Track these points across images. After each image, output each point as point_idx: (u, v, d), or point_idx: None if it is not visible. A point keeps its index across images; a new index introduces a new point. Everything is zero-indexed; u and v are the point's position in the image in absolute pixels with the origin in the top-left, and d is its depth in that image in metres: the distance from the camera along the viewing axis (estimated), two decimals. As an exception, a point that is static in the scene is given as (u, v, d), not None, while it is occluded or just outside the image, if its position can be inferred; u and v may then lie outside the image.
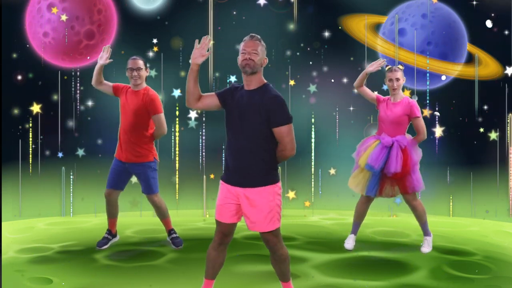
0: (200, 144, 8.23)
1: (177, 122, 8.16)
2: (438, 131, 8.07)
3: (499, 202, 7.92)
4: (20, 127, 7.95)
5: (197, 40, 4.00)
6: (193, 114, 8.17)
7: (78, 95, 8.07)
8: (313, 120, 8.31)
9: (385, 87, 7.85)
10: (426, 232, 5.99)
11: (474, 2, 8.02)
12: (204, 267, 4.18)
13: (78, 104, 8.08)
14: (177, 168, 8.13)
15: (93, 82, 5.85)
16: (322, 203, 8.26)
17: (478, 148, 8.18)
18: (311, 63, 8.29)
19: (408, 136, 5.83)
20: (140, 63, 5.68)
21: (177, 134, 8.14)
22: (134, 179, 6.46)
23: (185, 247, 5.96)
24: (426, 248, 5.91)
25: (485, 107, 8.15)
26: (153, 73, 7.95)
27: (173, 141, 8.09)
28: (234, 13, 8.23)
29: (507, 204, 7.94)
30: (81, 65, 7.96)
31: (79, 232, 6.72)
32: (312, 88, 8.27)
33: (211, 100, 4.07)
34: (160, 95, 5.81)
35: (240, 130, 3.92)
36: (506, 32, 8.04)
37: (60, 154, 7.98)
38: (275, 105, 3.85)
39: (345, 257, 5.71)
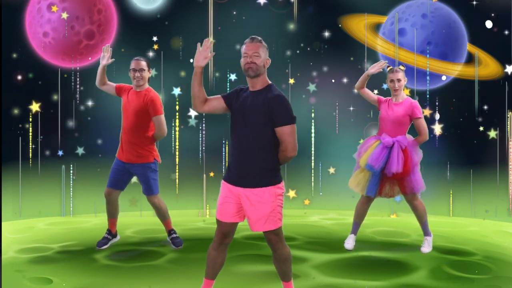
0: (200, 142, 8.23)
1: (177, 120, 8.16)
2: (437, 128, 8.07)
3: (499, 202, 7.92)
4: (20, 124, 7.94)
5: (199, 44, 4.00)
6: (193, 112, 8.17)
7: (78, 95, 8.07)
8: (313, 120, 8.32)
9: (385, 86, 7.85)
10: (426, 232, 5.99)
11: (474, 2, 8.02)
12: (204, 267, 4.18)
13: (78, 104, 8.08)
14: (177, 166, 8.13)
15: (97, 82, 5.88)
16: (322, 203, 8.27)
17: (478, 148, 8.18)
18: (311, 63, 8.30)
19: (409, 137, 5.83)
20: (143, 64, 5.69)
21: (177, 132, 8.15)
22: (134, 178, 6.46)
23: (185, 247, 5.96)
24: (426, 248, 5.91)
25: (485, 107, 8.15)
26: (153, 72, 7.96)
27: (173, 139, 8.09)
28: (234, 13, 8.23)
29: (507, 204, 7.94)
30: (81, 65, 7.95)
31: (79, 232, 6.72)
32: (312, 87, 8.27)
33: (217, 102, 4.07)
34: (160, 94, 5.82)
35: (243, 131, 3.93)
36: (506, 32, 8.04)
37: (60, 154, 7.98)
38: (278, 105, 3.86)
39: (345, 257, 5.71)
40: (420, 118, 5.75)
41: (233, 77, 8.15)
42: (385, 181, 5.80)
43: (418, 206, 5.85)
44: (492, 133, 8.07)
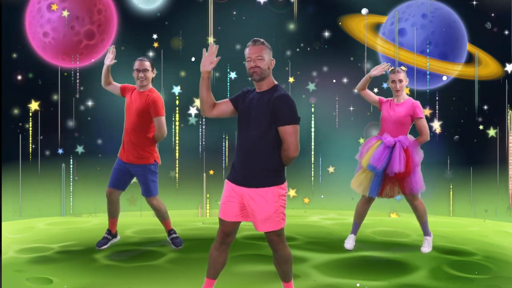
0: (200, 141, 8.22)
1: (177, 118, 8.16)
2: (436, 125, 8.06)
3: (499, 202, 7.92)
4: (20, 124, 7.94)
5: (204, 49, 4.03)
6: (193, 111, 8.17)
7: (78, 95, 8.07)
8: (313, 119, 8.32)
9: (385, 85, 7.86)
10: (426, 232, 5.99)
11: (474, 2, 8.02)
12: (204, 267, 4.18)
13: (78, 104, 8.08)
14: (177, 164, 8.13)
15: (102, 83, 5.94)
16: (322, 203, 8.27)
17: (478, 148, 8.18)
18: (311, 63, 8.30)
19: (410, 137, 5.83)
20: (147, 64, 5.69)
21: (177, 130, 8.15)
22: (134, 178, 6.45)
23: (185, 247, 5.96)
24: (426, 248, 5.91)
25: (485, 107, 8.15)
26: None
27: (173, 137, 8.09)
28: (234, 13, 8.23)
29: (507, 203, 7.94)
30: (81, 65, 7.95)
31: (79, 232, 6.72)
32: (311, 86, 8.28)
33: (225, 106, 4.09)
34: (160, 93, 5.81)
35: (249, 131, 3.95)
36: (506, 32, 8.04)
37: (60, 154, 7.98)
38: (283, 104, 3.87)
39: (345, 257, 5.71)
40: (421, 118, 5.75)
41: (233, 75, 8.15)
42: (387, 181, 5.80)
43: (418, 206, 5.85)
44: (492, 132, 8.07)
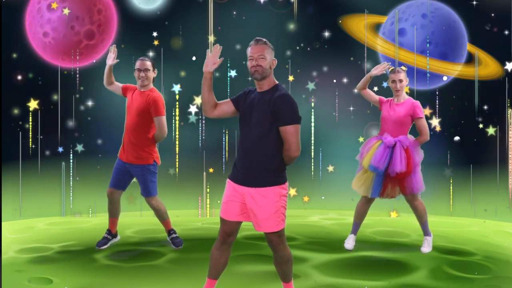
0: (200, 139, 8.22)
1: (177, 116, 8.16)
2: (435, 123, 8.05)
3: (500, 201, 7.92)
4: (20, 122, 7.94)
5: (208, 50, 4.04)
6: (193, 109, 8.17)
7: (78, 95, 8.07)
8: (313, 119, 8.32)
9: (385, 85, 7.86)
10: (426, 232, 5.99)
11: (474, 2, 8.02)
12: (204, 267, 4.18)
13: (78, 104, 8.08)
14: (176, 162, 8.13)
15: (104, 82, 5.97)
16: (322, 203, 8.27)
17: (478, 148, 8.18)
18: (311, 63, 8.30)
19: (410, 137, 5.83)
20: (148, 64, 5.70)
21: (177, 128, 8.15)
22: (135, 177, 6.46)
23: (185, 247, 5.96)
24: (426, 248, 5.91)
25: (485, 107, 8.15)
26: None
27: (173, 135, 8.09)
28: (234, 13, 8.23)
29: (507, 203, 7.94)
30: (81, 65, 7.95)
31: (79, 232, 6.72)
32: (311, 85, 8.28)
33: (227, 106, 4.10)
34: (160, 92, 5.81)
35: (250, 131, 3.95)
36: (506, 32, 8.04)
37: (60, 154, 7.98)
38: (284, 104, 3.87)
39: (345, 257, 5.71)
40: (421, 118, 5.75)
41: (233, 73, 8.15)
42: (388, 181, 5.79)
43: (418, 206, 5.85)
44: (491, 130, 8.06)
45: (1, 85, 7.43)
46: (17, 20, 7.79)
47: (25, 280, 4.90)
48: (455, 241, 6.44)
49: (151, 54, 8.02)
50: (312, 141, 8.31)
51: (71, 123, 8.06)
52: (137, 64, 5.72)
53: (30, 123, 7.96)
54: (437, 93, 8.19)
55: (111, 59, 5.81)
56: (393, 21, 8.11)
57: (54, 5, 7.47)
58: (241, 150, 4.03)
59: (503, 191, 8.01)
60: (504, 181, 8.02)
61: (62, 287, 4.78)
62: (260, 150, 3.93)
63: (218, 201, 7.79)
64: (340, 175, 8.01)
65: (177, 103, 8.15)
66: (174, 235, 5.99)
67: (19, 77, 7.97)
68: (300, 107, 4.02)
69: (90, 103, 8.09)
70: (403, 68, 5.88)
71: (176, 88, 8.12)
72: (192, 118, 8.19)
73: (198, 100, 8.08)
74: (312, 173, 8.33)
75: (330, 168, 8.26)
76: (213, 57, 4.01)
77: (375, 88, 7.72)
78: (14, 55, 7.93)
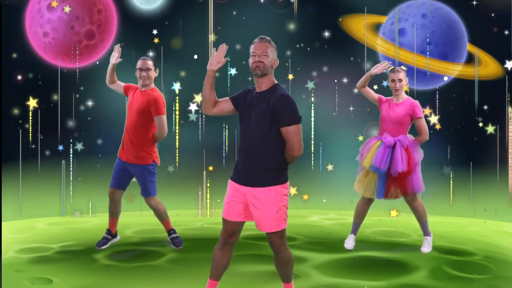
0: (200, 137, 8.22)
1: (177, 114, 8.16)
2: (434, 120, 8.05)
3: (500, 201, 7.92)
4: (20, 121, 7.94)
5: (214, 48, 4.06)
6: (193, 107, 8.17)
7: (78, 95, 8.07)
8: (312, 119, 8.32)
9: (385, 84, 7.86)
10: (426, 232, 5.99)
11: (474, 2, 8.02)
12: (204, 267, 4.18)
13: (78, 103, 8.08)
14: (177, 161, 8.13)
15: (107, 81, 5.99)
16: (322, 203, 8.26)
17: (478, 148, 8.19)
18: (311, 63, 8.31)
19: (410, 137, 5.83)
20: (150, 63, 5.71)
21: (177, 127, 8.15)
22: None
23: (185, 247, 5.96)
24: (426, 248, 5.91)
25: (485, 107, 8.15)
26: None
27: (173, 134, 8.09)
28: (234, 13, 8.23)
29: (507, 202, 7.94)
30: (81, 65, 7.96)
31: (79, 232, 6.72)
32: (310, 84, 8.28)
33: (226, 105, 4.11)
34: (160, 91, 5.81)
35: (250, 131, 3.95)
36: (506, 32, 8.04)
37: (60, 154, 7.98)
38: (283, 105, 3.87)
39: (345, 257, 5.71)
40: (420, 118, 5.76)
41: (233, 71, 8.15)
42: (390, 182, 5.78)
43: (418, 207, 5.85)
44: (490, 128, 8.07)
45: (1, 85, 7.43)
46: (17, 20, 7.80)
47: (25, 280, 4.90)
48: (455, 241, 6.44)
49: (151, 54, 8.03)
50: (312, 141, 8.32)
51: (71, 123, 8.07)
52: (139, 64, 5.72)
53: (30, 123, 7.96)
54: (437, 93, 8.19)
55: (114, 58, 5.82)
56: (393, 21, 8.12)
57: (54, 3, 7.47)
58: (241, 150, 4.03)
59: (503, 191, 8.01)
60: (504, 181, 8.02)
61: (62, 287, 4.78)
62: (261, 150, 3.93)
63: (219, 200, 7.80)
64: (340, 175, 8.02)
65: (177, 101, 8.15)
66: (174, 235, 5.99)
67: (19, 77, 7.97)
68: (301, 107, 4.02)
69: (90, 103, 8.09)
70: (403, 67, 5.88)
71: (176, 86, 8.13)
72: (192, 116, 8.19)
73: (198, 98, 8.08)
74: (312, 171, 8.33)
75: (330, 167, 8.26)
76: (218, 56, 4.03)
77: (375, 87, 7.72)
78: (14, 55, 7.93)
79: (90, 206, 7.76)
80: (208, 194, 7.95)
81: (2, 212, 6.67)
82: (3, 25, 7.51)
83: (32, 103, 7.93)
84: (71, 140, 8.03)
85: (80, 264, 5.40)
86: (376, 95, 6.01)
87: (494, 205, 7.80)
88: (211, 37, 8.00)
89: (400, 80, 5.80)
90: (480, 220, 7.62)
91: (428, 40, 7.93)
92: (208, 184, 7.91)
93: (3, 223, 6.52)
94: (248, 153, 3.98)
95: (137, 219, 7.41)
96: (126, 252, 5.84)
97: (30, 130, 7.96)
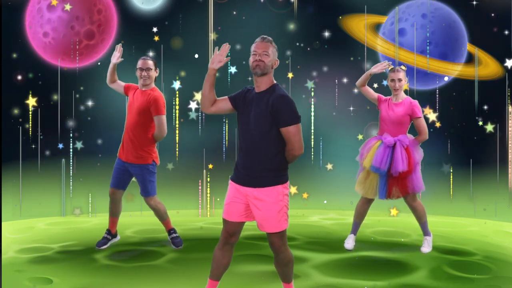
0: (200, 135, 8.21)
1: (177, 113, 8.17)
2: (433, 117, 8.05)
3: (500, 200, 7.92)
4: (20, 119, 7.94)
5: (217, 47, 4.06)
6: (193, 105, 8.17)
7: (78, 94, 8.07)
8: (312, 119, 8.32)
9: (385, 83, 7.86)
10: (426, 232, 5.98)
11: (474, 2, 8.02)
12: (204, 267, 4.18)
13: (78, 103, 8.08)
14: (176, 159, 8.13)
15: (107, 80, 5.99)
16: (322, 203, 8.26)
17: (478, 148, 8.19)
18: (311, 63, 8.31)
19: (410, 136, 5.83)
20: (150, 63, 5.71)
21: (177, 124, 8.15)
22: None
23: (185, 247, 5.96)
24: (426, 248, 5.90)
25: (485, 107, 8.15)
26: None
27: (172, 132, 8.09)
28: (234, 13, 8.23)
29: (507, 201, 7.94)
30: (81, 65, 7.96)
31: (79, 232, 6.72)
32: (310, 84, 8.29)
33: (224, 104, 4.11)
34: (161, 91, 5.81)
35: (250, 132, 3.95)
36: (506, 32, 8.04)
37: (60, 154, 7.98)
38: (283, 105, 3.87)
39: (345, 257, 5.71)
40: (420, 117, 5.76)
41: (233, 69, 8.15)
42: (392, 182, 5.78)
43: (418, 207, 5.85)
44: (489, 127, 8.07)
45: (1, 85, 7.44)
46: (17, 20, 7.80)
47: (25, 280, 4.90)
48: (455, 241, 6.44)
49: (151, 54, 8.03)
50: (312, 140, 8.32)
51: (71, 123, 8.07)
52: (139, 63, 5.72)
53: (30, 123, 7.96)
54: (437, 93, 8.19)
55: (115, 58, 5.81)
56: (393, 21, 8.12)
57: (54, 2, 7.47)
58: (241, 150, 4.03)
59: (503, 190, 8.01)
60: (504, 180, 8.02)
61: (62, 287, 4.78)
62: (261, 150, 3.93)
63: (218, 199, 7.80)
64: (340, 175, 8.02)
65: (177, 99, 8.15)
66: (174, 235, 5.99)
67: (19, 77, 7.97)
68: (300, 106, 4.02)
69: (90, 103, 8.09)
70: (403, 67, 5.87)
71: (176, 84, 8.13)
72: (192, 115, 8.19)
73: (198, 96, 8.08)
74: (313, 170, 8.33)
75: (329, 166, 8.27)
76: (220, 55, 4.03)
77: (375, 85, 7.73)
78: (14, 55, 7.94)
79: (90, 206, 7.77)
80: (208, 193, 7.96)
81: (2, 212, 6.67)
82: (3, 25, 7.51)
83: (32, 101, 7.93)
84: (71, 140, 8.04)
85: (80, 264, 5.40)
86: (376, 94, 6.01)
87: (494, 205, 7.80)
88: (212, 36, 8.00)
89: (400, 80, 5.80)
90: (480, 220, 7.62)
91: (428, 40, 7.93)
92: (209, 184, 7.90)
93: (3, 223, 6.52)
94: (248, 153, 3.98)
95: (137, 219, 7.41)
96: (126, 252, 5.84)
97: (30, 130, 7.96)
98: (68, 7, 7.35)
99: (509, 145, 8.05)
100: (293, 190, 8.13)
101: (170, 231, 6.00)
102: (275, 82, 4.03)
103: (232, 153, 8.17)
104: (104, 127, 7.98)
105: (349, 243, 5.97)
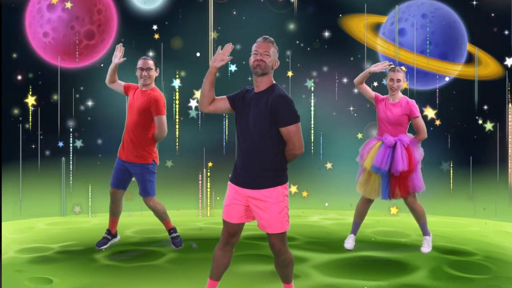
0: (200, 134, 8.21)
1: (177, 112, 8.16)
2: (431, 114, 8.04)
3: (500, 200, 7.92)
4: (20, 118, 7.94)
5: (220, 46, 4.07)
6: (193, 103, 8.17)
7: (78, 95, 8.07)
8: (312, 119, 8.32)
9: (384, 82, 7.86)
10: (425, 232, 5.98)
11: (474, 2, 8.02)
12: (204, 267, 4.18)
13: (78, 104, 8.08)
14: (177, 158, 8.13)
15: (107, 80, 5.95)
16: (322, 203, 8.26)
17: (478, 148, 8.19)
18: (311, 63, 8.31)
19: (409, 135, 5.84)
20: (150, 63, 5.70)
21: (177, 123, 8.15)
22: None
23: (185, 247, 5.96)
24: (426, 248, 5.90)
25: (485, 107, 8.15)
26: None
27: (173, 130, 8.08)
28: (234, 13, 8.23)
29: (507, 201, 7.94)
30: (81, 65, 7.95)
31: (79, 232, 6.72)
32: (310, 83, 8.29)
33: (222, 103, 4.10)
34: (161, 91, 5.81)
35: (249, 132, 3.94)
36: (506, 32, 8.04)
37: (60, 154, 7.98)
38: (282, 105, 3.87)
39: (345, 257, 5.71)
40: (418, 117, 5.76)
41: (233, 68, 8.14)
42: (394, 182, 5.78)
43: (417, 209, 5.85)
44: (489, 125, 8.06)
45: (1, 85, 7.44)
46: (17, 20, 7.79)
47: (25, 280, 4.90)
48: (455, 241, 6.44)
49: (151, 54, 8.03)
50: (312, 140, 8.32)
51: (71, 123, 8.07)
52: (140, 63, 5.72)
53: (30, 123, 7.96)
54: (437, 93, 8.19)
55: (117, 58, 5.79)
56: (393, 21, 8.12)
57: (54, 0, 7.47)
58: (241, 151, 4.01)
59: (503, 190, 8.01)
60: (504, 180, 8.02)
61: (62, 287, 4.78)
62: (261, 150, 3.93)
63: (218, 198, 7.80)
64: (340, 174, 8.02)
65: (177, 97, 8.15)
66: (174, 235, 5.98)
67: (19, 77, 7.97)
68: (300, 106, 4.02)
69: (90, 103, 8.09)
70: (403, 68, 5.87)
71: (176, 83, 8.13)
72: (193, 113, 8.19)
73: (198, 94, 8.08)
74: (312, 170, 8.33)
75: (329, 165, 8.27)
76: (222, 54, 4.04)
77: (375, 84, 7.73)
78: (14, 55, 7.93)
79: (90, 206, 7.76)
80: (208, 192, 7.95)
81: (2, 212, 6.67)
82: (3, 25, 7.51)
83: (31, 100, 7.93)
84: (71, 140, 8.04)
85: (80, 264, 5.40)
86: (373, 93, 6.01)
87: (494, 204, 7.80)
88: (212, 35, 8.00)
89: (399, 81, 5.80)
90: (480, 220, 7.62)
91: (428, 40, 7.93)
92: (209, 184, 7.90)
93: (3, 223, 6.52)
94: (248, 153, 3.97)
95: (137, 219, 7.41)
96: (126, 252, 5.84)
97: (30, 130, 7.96)
98: (68, 5, 7.35)
99: (509, 144, 8.06)
100: (293, 189, 8.13)
101: (170, 230, 6.00)
102: (274, 82, 4.03)
103: (232, 151, 8.17)
104: (104, 127, 7.98)
105: (349, 243, 5.97)
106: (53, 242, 6.17)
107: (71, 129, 8.06)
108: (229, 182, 4.08)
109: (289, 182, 4.07)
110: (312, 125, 8.32)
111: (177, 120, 8.15)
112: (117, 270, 5.26)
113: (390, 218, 7.70)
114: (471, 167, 8.06)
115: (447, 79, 8.10)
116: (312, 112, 8.33)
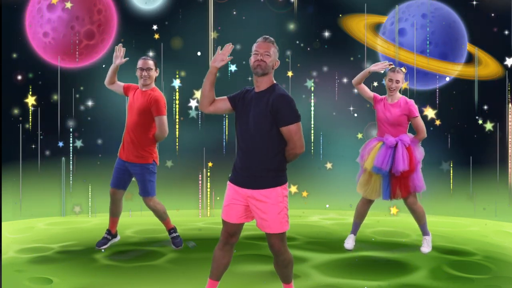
0: (200, 134, 8.21)
1: (177, 112, 8.16)
2: (431, 113, 8.04)
3: (500, 200, 7.92)
4: (20, 118, 7.94)
5: (220, 46, 4.07)
6: (193, 103, 8.17)
7: (78, 95, 8.07)
8: (312, 119, 8.32)
9: (384, 82, 7.87)
10: (425, 232, 5.99)
11: (474, 2, 8.02)
12: (204, 267, 4.18)
13: (78, 104, 8.08)
14: (177, 158, 8.13)
15: (106, 81, 5.93)
16: (322, 203, 8.26)
17: (478, 148, 8.19)
18: (311, 63, 8.31)
19: (410, 135, 5.84)
20: (150, 63, 5.70)
21: (177, 124, 8.15)
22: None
23: (185, 247, 5.96)
24: (426, 248, 5.91)
25: (485, 107, 8.15)
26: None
27: (173, 130, 8.08)
28: (234, 13, 8.23)
29: (507, 201, 7.94)
30: (81, 65, 7.95)
31: (79, 232, 6.72)
32: (310, 83, 8.29)
33: (223, 103, 4.10)
34: (161, 91, 5.81)
35: (248, 132, 3.94)
36: (506, 32, 8.04)
37: (60, 154, 7.98)
38: (283, 104, 3.87)
39: (345, 257, 5.71)
40: (417, 116, 5.76)
41: (233, 68, 8.14)
42: (395, 182, 5.78)
43: (417, 209, 5.85)
44: (489, 125, 8.06)
45: (1, 85, 7.44)
46: (17, 20, 7.80)
47: (25, 280, 4.90)
48: (455, 241, 6.44)
49: (151, 54, 8.03)
50: (312, 140, 8.32)
51: (71, 123, 8.07)
52: (140, 63, 5.71)
53: (30, 123, 7.96)
54: (437, 93, 8.19)
55: (118, 59, 5.78)
56: (393, 21, 8.12)
57: (54, 1, 7.47)
58: (240, 151, 4.01)
59: (503, 190, 8.01)
60: (504, 180, 8.02)
61: (62, 287, 4.78)
62: (261, 150, 3.92)
63: (218, 198, 7.80)
64: (340, 174, 8.02)
65: (177, 97, 8.15)
66: (174, 234, 5.98)
67: (19, 77, 7.97)
68: (300, 106, 4.02)
69: (90, 103, 8.09)
70: (403, 69, 5.87)
71: (176, 83, 8.13)
72: (193, 113, 8.19)
73: (198, 94, 8.08)
74: (312, 169, 8.33)
75: (329, 165, 8.27)
76: (222, 54, 4.04)
77: (375, 83, 7.72)
78: (14, 55, 7.93)
79: (90, 206, 7.77)
80: (208, 191, 7.96)
81: (2, 212, 6.67)
82: (3, 25, 7.51)
83: (31, 100, 7.93)
84: (71, 140, 8.04)
85: (80, 264, 5.40)
86: (371, 93, 6.01)
87: (494, 204, 7.80)
88: (212, 35, 8.00)
89: (398, 82, 5.80)
90: (480, 220, 7.62)
91: (428, 40, 7.93)
92: (209, 184, 7.90)
93: (3, 223, 6.53)
94: (247, 153, 3.97)
95: (137, 219, 7.41)
96: (126, 252, 5.84)
97: (30, 130, 7.96)
98: (68, 5, 7.35)
99: (509, 144, 8.06)
100: (293, 189, 8.13)
101: (171, 230, 6.00)
102: (275, 82, 4.03)
103: (232, 151, 8.17)
104: (104, 127, 7.98)
105: (349, 243, 5.97)
106: (53, 242, 6.18)
107: (71, 129, 8.06)
108: (228, 182, 4.08)
109: (289, 182, 4.07)
110: (312, 125, 8.33)
111: (177, 120, 8.16)
112: (117, 270, 5.26)
113: (390, 218, 7.70)
114: (471, 167, 8.06)
115: (447, 79, 8.10)
116: (312, 112, 8.34)
